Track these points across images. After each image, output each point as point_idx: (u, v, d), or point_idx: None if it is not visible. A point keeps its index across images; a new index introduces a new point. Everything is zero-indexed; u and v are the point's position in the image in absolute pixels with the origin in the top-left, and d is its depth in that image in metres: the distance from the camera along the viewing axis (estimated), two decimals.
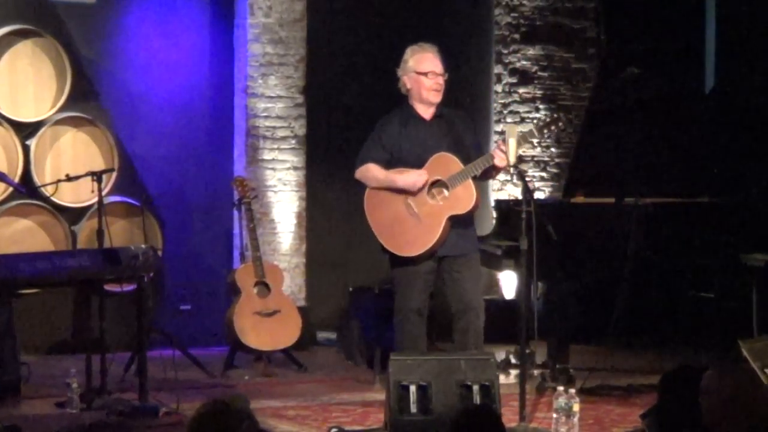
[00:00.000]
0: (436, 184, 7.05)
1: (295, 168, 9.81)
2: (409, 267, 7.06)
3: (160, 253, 8.42)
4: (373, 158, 7.17)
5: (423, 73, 7.17)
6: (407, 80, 7.24)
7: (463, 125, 7.27)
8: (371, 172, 7.15)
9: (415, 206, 7.04)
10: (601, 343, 8.80)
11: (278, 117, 9.76)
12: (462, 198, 7.02)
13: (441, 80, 7.20)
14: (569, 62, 10.82)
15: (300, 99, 9.81)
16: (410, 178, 7.03)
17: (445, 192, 7.03)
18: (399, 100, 10.04)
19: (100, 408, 7.01)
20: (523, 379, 6.73)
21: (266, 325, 8.55)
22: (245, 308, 8.55)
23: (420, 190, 7.03)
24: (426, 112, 7.23)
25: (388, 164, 7.14)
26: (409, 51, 7.27)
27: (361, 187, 8.88)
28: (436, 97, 7.21)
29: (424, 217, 7.01)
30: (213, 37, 9.77)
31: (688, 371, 4.71)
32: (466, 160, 7.03)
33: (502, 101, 10.61)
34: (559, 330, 8.13)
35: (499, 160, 6.91)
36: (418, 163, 7.08)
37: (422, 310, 7.11)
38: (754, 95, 9.47)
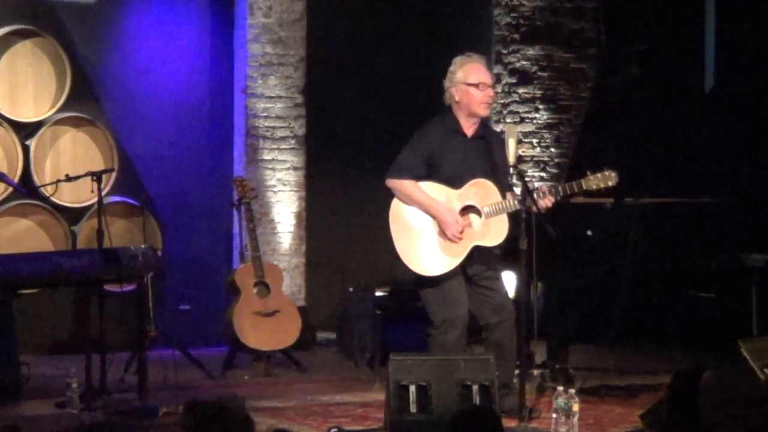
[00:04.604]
0: (469, 208, 6.90)
1: (295, 168, 9.81)
2: (442, 279, 6.88)
3: (160, 253, 8.42)
4: (412, 172, 6.90)
5: (473, 85, 6.91)
6: (455, 92, 6.95)
7: (499, 148, 6.97)
8: (408, 190, 6.89)
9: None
10: (601, 343, 8.80)
11: (278, 117, 9.76)
12: (494, 231, 6.87)
13: (491, 92, 6.99)
14: (569, 62, 10.82)
15: (300, 99, 9.82)
16: (449, 224, 6.81)
17: (478, 219, 6.89)
18: (399, 101, 10.09)
19: (100, 408, 7.01)
20: (523, 379, 6.73)
21: (266, 325, 8.55)
22: (245, 308, 8.54)
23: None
24: (469, 127, 6.99)
25: (423, 177, 6.93)
26: (456, 61, 7.01)
27: (364, 188, 8.91)
28: (486, 110, 7.02)
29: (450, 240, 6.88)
30: (213, 37, 9.77)
31: (698, 370, 4.69)
32: (498, 184, 6.89)
33: (502, 101, 10.61)
34: (559, 330, 8.13)
35: (539, 207, 6.71)
36: (453, 182, 6.89)
37: (466, 319, 6.94)
38: (754, 95, 9.48)
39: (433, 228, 6.89)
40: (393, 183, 6.95)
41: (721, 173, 8.76)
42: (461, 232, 6.85)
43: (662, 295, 9.11)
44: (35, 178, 8.91)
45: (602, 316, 8.87)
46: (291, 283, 9.66)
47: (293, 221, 9.80)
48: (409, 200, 6.92)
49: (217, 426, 3.71)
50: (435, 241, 6.88)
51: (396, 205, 6.96)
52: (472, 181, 6.91)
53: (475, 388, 6.38)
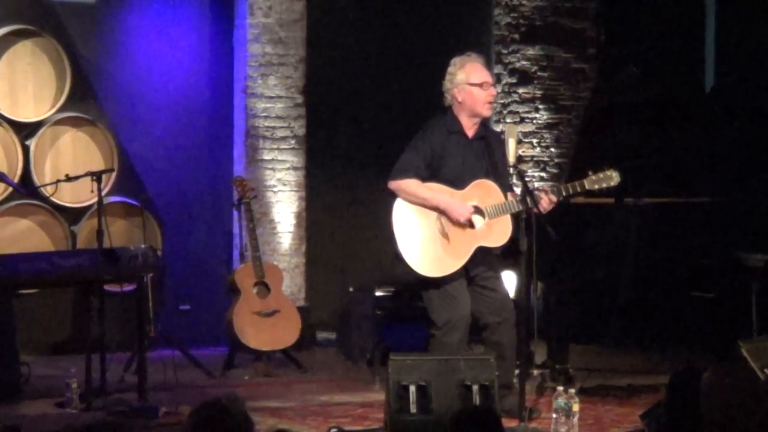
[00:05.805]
0: (473, 210, 6.89)
1: (295, 168, 9.81)
2: (445, 280, 6.86)
3: (159, 253, 8.41)
4: (416, 172, 6.86)
5: (477, 85, 6.89)
6: (458, 93, 6.91)
7: (500, 148, 7.04)
8: (413, 188, 6.84)
9: (447, 227, 6.85)
10: (601, 343, 8.80)
11: (278, 117, 9.76)
12: (497, 232, 6.87)
13: (493, 91, 6.99)
14: (569, 62, 10.82)
15: (299, 99, 9.81)
16: (457, 208, 6.79)
17: (481, 220, 6.85)
18: (398, 101, 10.09)
19: (100, 408, 7.01)
20: (523, 379, 6.73)
21: (266, 325, 8.55)
22: (245, 308, 8.55)
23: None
24: (470, 128, 6.96)
25: (426, 178, 6.90)
26: (456, 62, 6.97)
27: (364, 188, 8.86)
28: (489, 110, 7.03)
29: (454, 241, 6.83)
30: (213, 37, 9.77)
31: (696, 371, 4.69)
32: (499, 185, 6.89)
33: (502, 101, 10.61)
34: (559, 330, 8.13)
35: (541, 208, 6.72)
36: (455, 183, 6.87)
37: (469, 320, 6.92)
38: (754, 95, 9.48)
39: (437, 229, 6.88)
40: (397, 184, 6.91)
41: (721, 173, 8.76)
42: (470, 225, 6.82)
43: (662, 295, 9.11)
44: (35, 178, 8.91)
45: (602, 316, 8.87)
46: (291, 283, 9.66)
47: (293, 221, 9.79)
48: (414, 198, 6.88)
49: (217, 427, 3.70)
50: (439, 242, 6.87)
51: (399, 206, 6.92)
52: (475, 182, 6.90)
53: (475, 388, 6.38)
